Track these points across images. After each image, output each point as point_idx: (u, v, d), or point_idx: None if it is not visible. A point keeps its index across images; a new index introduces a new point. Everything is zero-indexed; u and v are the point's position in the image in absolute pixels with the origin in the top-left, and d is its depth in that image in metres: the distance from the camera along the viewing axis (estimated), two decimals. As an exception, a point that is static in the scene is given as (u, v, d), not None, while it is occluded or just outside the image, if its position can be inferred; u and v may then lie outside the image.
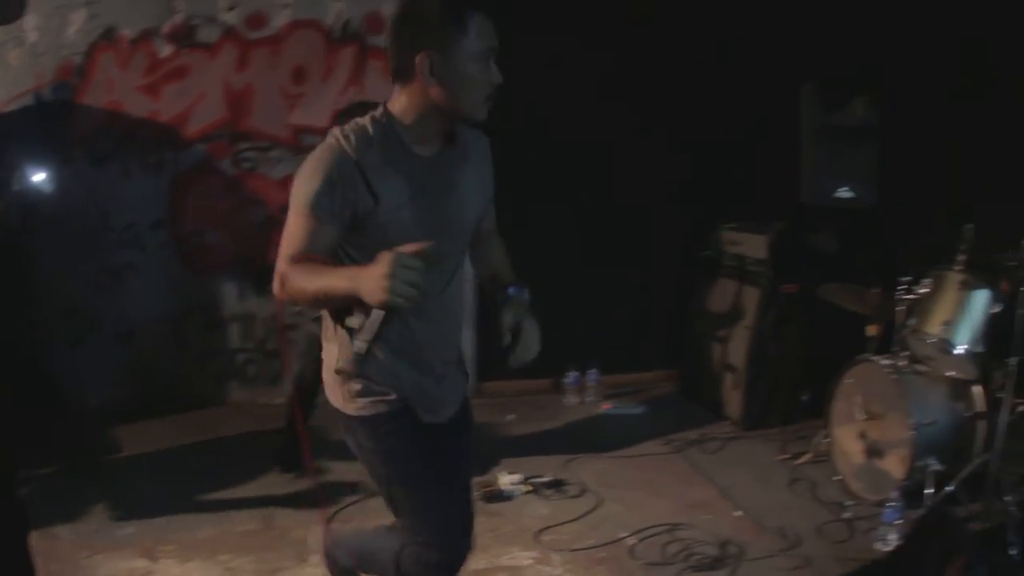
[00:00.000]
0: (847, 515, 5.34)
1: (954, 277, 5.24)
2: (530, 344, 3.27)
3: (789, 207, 7.12)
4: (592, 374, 7.59)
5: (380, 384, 3.08)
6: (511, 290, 3.28)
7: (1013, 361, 4.98)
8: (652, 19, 7.25)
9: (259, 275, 7.16)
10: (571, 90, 7.07)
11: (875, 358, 5.61)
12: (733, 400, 7.03)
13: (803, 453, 6.21)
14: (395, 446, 3.16)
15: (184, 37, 6.96)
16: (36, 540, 3.94)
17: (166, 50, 6.96)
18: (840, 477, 5.69)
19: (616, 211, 7.49)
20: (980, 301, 5.15)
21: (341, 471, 5.75)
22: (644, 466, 6.25)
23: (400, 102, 2.92)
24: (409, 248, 2.45)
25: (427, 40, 2.79)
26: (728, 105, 7.23)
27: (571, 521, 5.37)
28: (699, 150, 7.34)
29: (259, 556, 4.89)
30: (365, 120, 2.94)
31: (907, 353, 5.56)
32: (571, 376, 7.57)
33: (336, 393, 3.18)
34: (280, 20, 7.06)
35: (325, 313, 3.12)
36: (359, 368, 2.73)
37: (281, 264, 2.80)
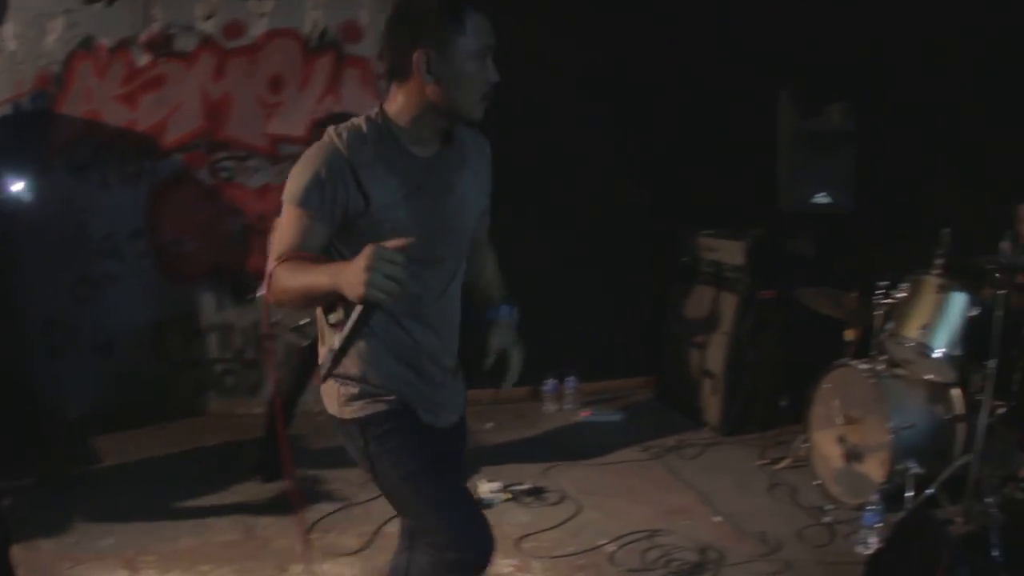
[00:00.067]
0: (827, 519, 5.35)
1: (932, 281, 5.26)
2: (514, 372, 3.28)
3: (766, 213, 7.12)
4: (570, 381, 7.60)
5: (378, 386, 3.00)
6: (502, 311, 3.27)
7: (991, 364, 4.99)
8: (629, 24, 7.27)
9: (236, 284, 7.16)
10: (548, 94, 7.07)
11: (853, 362, 5.63)
12: (712, 406, 7.04)
13: (782, 458, 6.22)
14: (399, 443, 3.02)
15: (161, 46, 6.96)
16: (17, 551, 3.93)
17: (144, 59, 6.96)
18: (820, 481, 5.70)
19: (593, 218, 7.51)
20: (958, 304, 5.17)
21: (322, 480, 5.75)
22: (623, 473, 6.26)
23: (396, 101, 2.90)
24: (392, 243, 2.41)
25: (424, 37, 2.77)
26: (705, 111, 7.25)
27: (551, 528, 5.36)
28: (676, 156, 7.36)
29: (240, 566, 4.87)
30: (360, 119, 2.92)
31: (885, 357, 5.58)
32: (550, 383, 7.59)
33: (332, 399, 3.07)
34: (257, 29, 7.07)
35: (320, 318, 3.05)
36: (336, 366, 2.70)
37: (270, 263, 2.76)
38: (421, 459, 3.03)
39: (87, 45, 6.85)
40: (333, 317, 2.89)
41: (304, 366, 5.68)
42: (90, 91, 6.90)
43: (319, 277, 2.58)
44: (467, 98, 2.85)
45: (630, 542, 5.15)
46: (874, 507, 4.96)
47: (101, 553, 5.01)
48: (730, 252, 7.06)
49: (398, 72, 2.87)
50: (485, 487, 5.74)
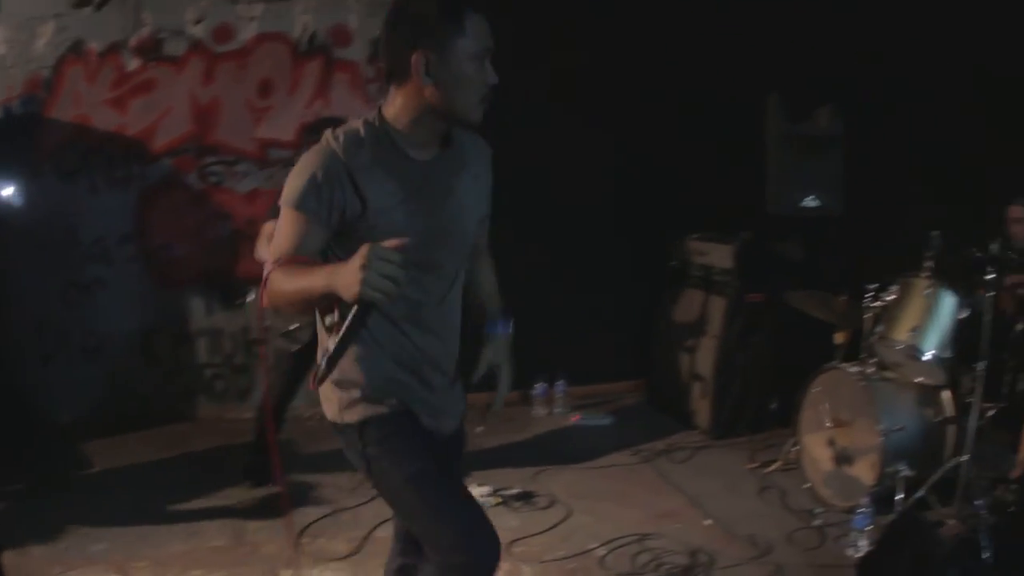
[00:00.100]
0: (817, 522, 5.35)
1: (921, 284, 5.28)
2: (505, 389, 3.33)
3: (755, 216, 7.12)
4: (560, 385, 7.59)
5: (379, 391, 2.97)
6: (500, 327, 3.27)
7: (981, 366, 5.01)
8: (615, 28, 7.28)
9: (226, 289, 7.16)
10: (534, 98, 7.02)
11: (843, 365, 5.65)
12: (701, 409, 7.04)
13: (772, 461, 6.22)
14: (401, 445, 2.97)
15: (151, 51, 6.96)
16: (9, 557, 3.92)
17: (133, 63, 6.95)
18: (810, 484, 5.71)
19: (582, 221, 7.50)
20: (947, 307, 5.19)
21: (312, 485, 5.74)
22: (613, 477, 6.26)
23: (395, 104, 2.87)
24: (389, 243, 2.37)
25: (423, 39, 2.75)
26: (693, 115, 7.25)
27: (541, 533, 5.35)
28: (664, 160, 7.34)
29: (231, 571, 4.87)
30: (358, 122, 2.89)
31: (875, 360, 5.59)
32: (539, 388, 7.57)
33: (331, 403, 3.03)
34: (247, 33, 7.07)
35: (319, 322, 2.99)
36: (334, 370, 2.67)
37: (267, 267, 2.72)
38: (423, 462, 2.97)
39: (77, 49, 6.84)
40: (329, 320, 2.81)
41: (294, 371, 5.68)
42: (80, 95, 6.89)
43: (314, 279, 2.53)
44: (466, 100, 2.83)
45: (620, 546, 5.14)
46: (864, 510, 4.96)
47: (92, 558, 4.99)
48: (719, 255, 7.06)
49: (396, 74, 2.84)
50: (475, 491, 5.70)
